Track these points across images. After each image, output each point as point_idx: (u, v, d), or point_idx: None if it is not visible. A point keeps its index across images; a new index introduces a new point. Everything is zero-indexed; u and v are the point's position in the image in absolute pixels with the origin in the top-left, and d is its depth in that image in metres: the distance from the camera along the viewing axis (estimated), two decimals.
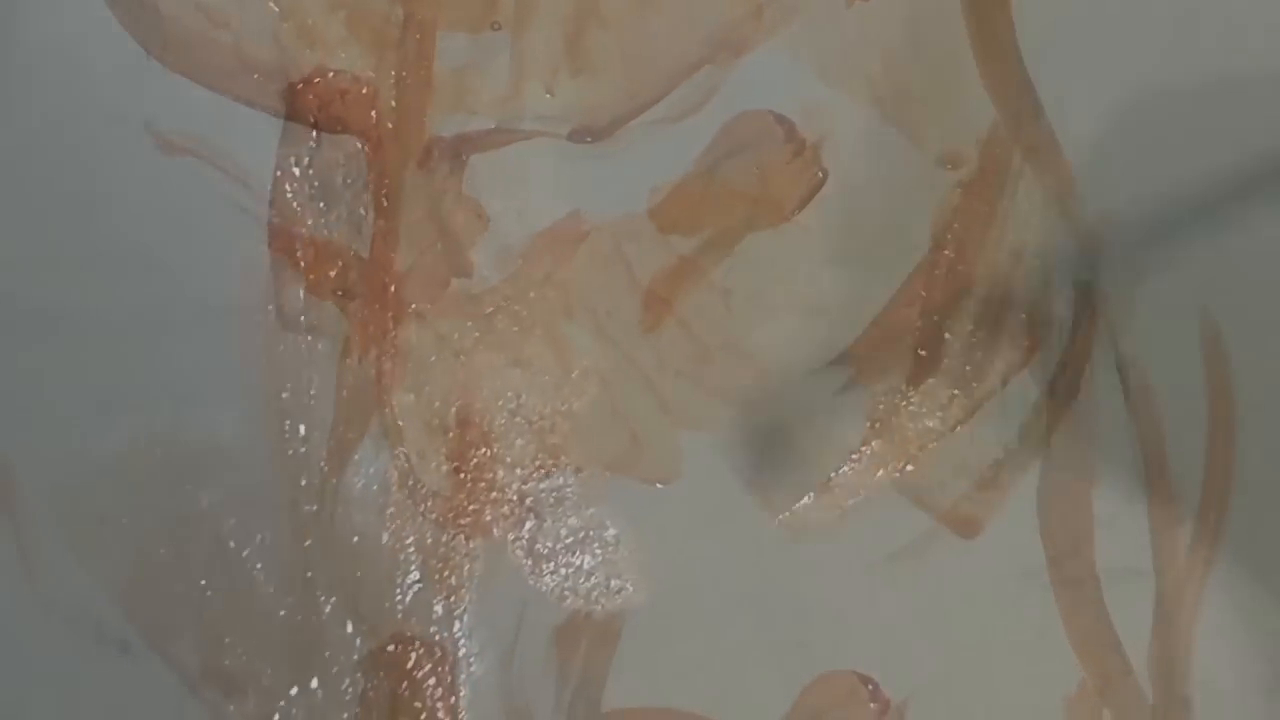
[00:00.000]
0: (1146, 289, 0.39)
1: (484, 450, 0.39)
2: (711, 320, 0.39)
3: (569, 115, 0.39)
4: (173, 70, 0.39)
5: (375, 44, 0.39)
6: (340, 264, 0.39)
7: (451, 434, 0.39)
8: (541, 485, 0.39)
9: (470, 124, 0.39)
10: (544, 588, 0.39)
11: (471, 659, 0.38)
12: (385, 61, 0.39)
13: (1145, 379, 0.39)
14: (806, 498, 0.39)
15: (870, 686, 0.38)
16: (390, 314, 0.39)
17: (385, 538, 0.39)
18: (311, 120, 0.39)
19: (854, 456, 0.39)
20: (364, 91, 0.39)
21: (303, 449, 0.39)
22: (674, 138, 0.39)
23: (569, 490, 0.39)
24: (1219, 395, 0.39)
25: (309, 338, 0.39)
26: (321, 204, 0.39)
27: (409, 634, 0.38)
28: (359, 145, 0.39)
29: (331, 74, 0.39)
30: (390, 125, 0.39)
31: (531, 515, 0.39)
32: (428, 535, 0.39)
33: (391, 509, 0.39)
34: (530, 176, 0.39)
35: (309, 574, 0.38)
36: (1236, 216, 0.39)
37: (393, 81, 0.39)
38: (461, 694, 0.38)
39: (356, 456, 0.39)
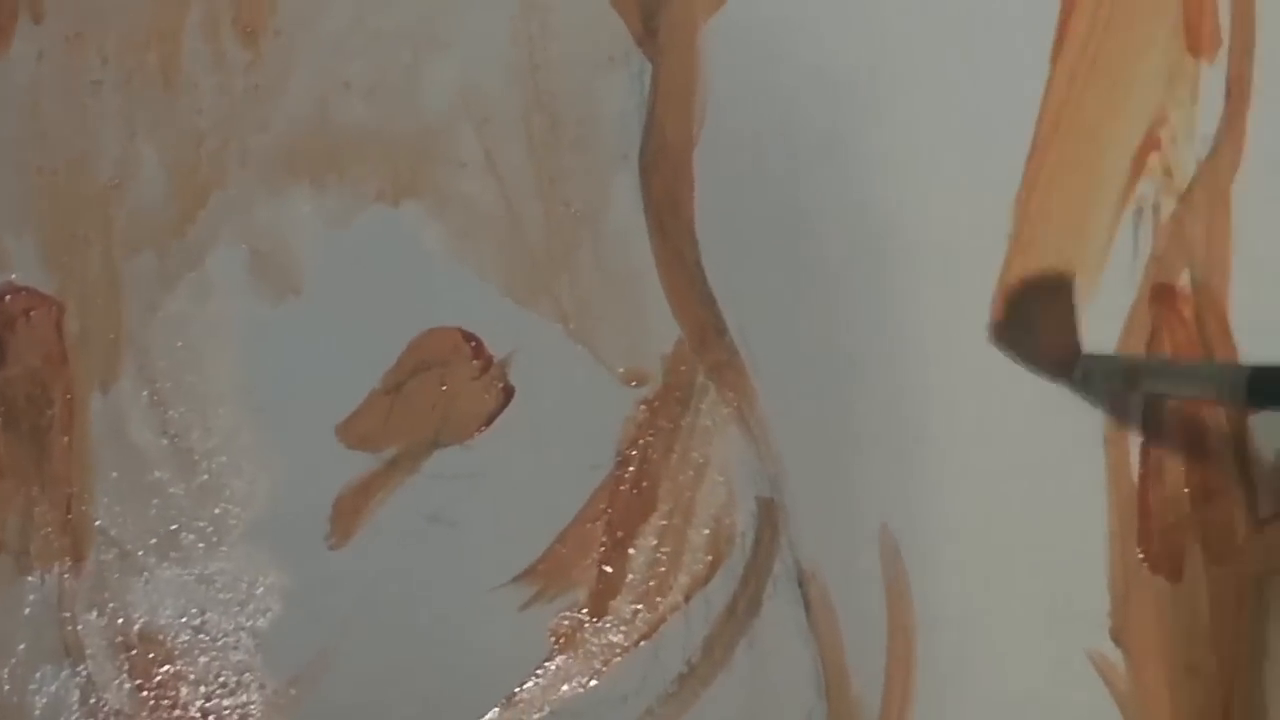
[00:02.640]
0: (826, 504, 0.40)
1: (167, 667, 0.39)
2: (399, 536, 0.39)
3: None
4: None
5: (62, 262, 0.40)
6: (23, 480, 0.39)
7: (134, 651, 0.39)
8: (225, 702, 0.39)
9: None
10: None
11: None
12: (72, 280, 0.40)
13: (825, 593, 0.39)
14: (490, 714, 0.39)
15: None
16: (73, 530, 0.39)
17: None
18: None
19: (538, 672, 0.39)
20: (50, 309, 0.39)
21: None
22: None
23: (253, 708, 0.39)
24: (898, 609, 0.39)
25: None
26: (5, 421, 0.39)
27: None
28: (43, 363, 0.39)
29: (18, 292, 0.39)
30: (76, 343, 0.39)
31: None
32: None
33: None
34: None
35: None
36: (916, 434, 0.40)
37: (78, 300, 0.40)
38: None
39: (38, 674, 0.39)
